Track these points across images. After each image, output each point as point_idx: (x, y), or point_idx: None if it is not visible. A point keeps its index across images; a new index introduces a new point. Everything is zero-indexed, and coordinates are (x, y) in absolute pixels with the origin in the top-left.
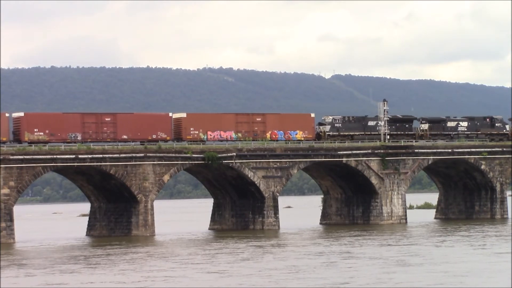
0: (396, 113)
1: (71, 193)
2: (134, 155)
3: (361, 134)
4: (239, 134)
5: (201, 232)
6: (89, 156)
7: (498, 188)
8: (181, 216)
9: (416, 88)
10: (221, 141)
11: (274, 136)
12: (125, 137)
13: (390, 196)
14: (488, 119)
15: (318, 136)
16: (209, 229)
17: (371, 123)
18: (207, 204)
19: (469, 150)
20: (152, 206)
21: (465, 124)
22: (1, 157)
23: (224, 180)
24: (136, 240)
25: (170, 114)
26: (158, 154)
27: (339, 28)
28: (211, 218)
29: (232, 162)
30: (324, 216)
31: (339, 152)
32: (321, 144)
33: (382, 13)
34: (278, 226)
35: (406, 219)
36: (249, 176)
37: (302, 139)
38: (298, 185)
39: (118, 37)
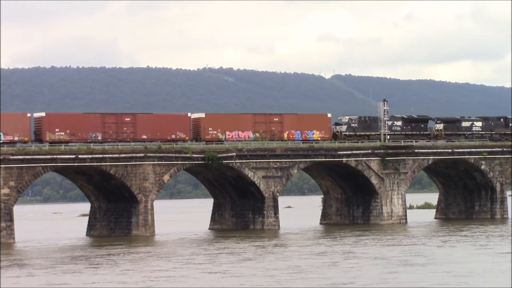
0: (396, 113)
1: (71, 193)
2: (134, 155)
3: (377, 134)
4: (257, 134)
5: (201, 232)
6: (89, 156)
7: (498, 188)
8: (181, 216)
9: (416, 88)
10: (239, 141)
11: (291, 136)
12: (144, 137)
13: (390, 196)
14: (502, 119)
15: (335, 136)
16: (209, 229)
17: (387, 123)
18: (207, 204)
19: (469, 150)
20: (152, 206)
21: (479, 124)
22: (1, 157)
23: (224, 180)
24: (136, 240)
25: (189, 114)
26: (158, 154)
27: (339, 28)
28: (211, 218)
29: (232, 162)
30: (324, 216)
31: (339, 152)
32: (321, 144)
33: (382, 13)
34: (278, 226)
35: (406, 219)
36: (249, 176)
37: (319, 139)
38: (298, 185)
39: (118, 37)
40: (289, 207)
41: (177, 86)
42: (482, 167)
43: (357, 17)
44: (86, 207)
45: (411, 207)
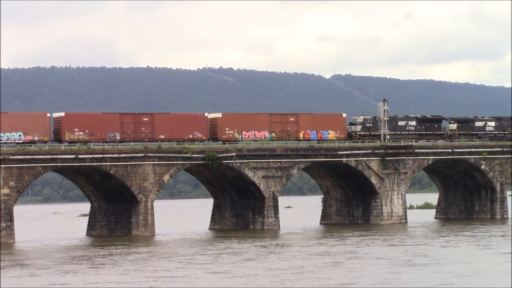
0: (396, 113)
1: (71, 193)
2: (134, 155)
3: (392, 134)
4: (273, 134)
5: (201, 232)
6: (89, 156)
7: (498, 188)
8: (181, 216)
9: (416, 88)
10: (255, 140)
11: (306, 136)
12: (162, 136)
13: (390, 196)
14: None
15: (350, 136)
16: (209, 229)
17: (401, 123)
18: (207, 204)
19: (469, 150)
20: (152, 206)
21: (492, 124)
22: (1, 157)
23: (224, 180)
24: (137, 240)
25: (206, 114)
26: (158, 154)
27: (338, 28)
28: (211, 218)
29: (232, 162)
30: (324, 216)
31: (339, 152)
32: (321, 144)
33: (381, 13)
34: (278, 226)
35: (406, 219)
36: (249, 176)
37: (334, 138)
38: (298, 185)
39: (118, 37)
40: (289, 207)
41: (177, 86)
42: (482, 167)
43: (356, 17)
44: (86, 207)
45: (411, 207)
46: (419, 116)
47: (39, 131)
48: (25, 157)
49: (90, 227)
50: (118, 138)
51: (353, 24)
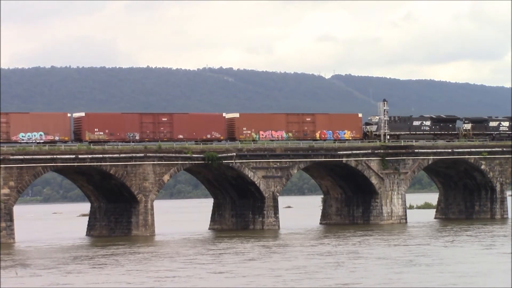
0: (396, 113)
1: (71, 193)
2: (134, 155)
3: (407, 134)
4: (290, 134)
5: (201, 232)
6: (89, 156)
7: (498, 188)
8: (181, 216)
9: (416, 88)
10: (272, 140)
11: (323, 136)
12: (181, 136)
13: (390, 196)
14: None
15: (365, 136)
16: (209, 229)
17: (416, 123)
18: (207, 204)
19: (469, 150)
20: (152, 206)
21: (506, 124)
22: (1, 157)
23: (224, 180)
24: (137, 240)
25: (224, 114)
26: (158, 154)
27: (338, 28)
28: (211, 218)
29: (232, 162)
30: (324, 216)
31: (339, 152)
32: (321, 144)
33: (380, 13)
34: (278, 226)
35: (406, 219)
36: (249, 176)
37: (350, 138)
38: (298, 185)
39: (117, 37)
40: (289, 207)
41: (177, 86)
42: (482, 167)
43: (356, 17)
44: (86, 207)
45: (411, 207)
46: (434, 116)
47: (60, 131)
48: (25, 157)
49: (90, 227)
50: (137, 138)
51: (353, 24)
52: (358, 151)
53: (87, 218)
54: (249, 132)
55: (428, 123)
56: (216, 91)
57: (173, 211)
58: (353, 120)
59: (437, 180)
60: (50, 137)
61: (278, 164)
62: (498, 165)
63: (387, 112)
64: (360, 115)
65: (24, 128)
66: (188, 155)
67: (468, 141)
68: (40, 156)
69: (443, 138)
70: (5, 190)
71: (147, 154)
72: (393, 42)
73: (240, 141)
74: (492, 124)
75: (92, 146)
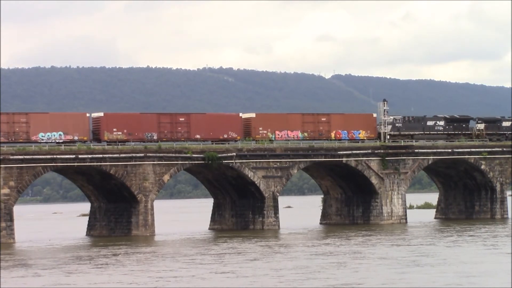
0: (396, 113)
1: (71, 193)
2: (134, 155)
3: (421, 133)
4: (305, 134)
5: (201, 232)
6: (89, 156)
7: (498, 188)
8: (181, 216)
9: (416, 88)
10: (288, 140)
11: (338, 136)
12: (198, 136)
13: (390, 196)
14: None
15: (380, 136)
16: (209, 229)
17: (429, 123)
18: (207, 204)
19: (469, 150)
20: (152, 206)
21: None
22: (1, 157)
23: (224, 180)
24: (137, 240)
25: (240, 114)
26: (158, 154)
27: (338, 28)
28: (211, 218)
29: (232, 162)
30: (324, 216)
31: (339, 152)
32: (321, 144)
33: (379, 14)
34: (278, 226)
35: (406, 219)
36: (249, 176)
37: (365, 138)
38: (298, 185)
39: (117, 37)
40: (289, 207)
41: (177, 86)
42: (482, 167)
43: (355, 17)
44: (86, 207)
45: (411, 207)
46: (448, 116)
47: (79, 131)
48: (25, 157)
49: (90, 227)
50: (155, 138)
51: (352, 24)
52: (358, 151)
53: (87, 218)
54: (265, 132)
55: (442, 123)
56: (216, 91)
57: (173, 211)
58: (367, 120)
59: (437, 180)
60: (69, 137)
61: (278, 164)
62: (498, 165)
63: (387, 112)
64: (374, 115)
65: (43, 128)
66: (188, 155)
67: (481, 141)
68: (40, 156)
69: (456, 138)
70: (5, 190)
71: (147, 154)
72: (392, 42)
73: (256, 141)
74: (505, 124)
75: (92, 146)
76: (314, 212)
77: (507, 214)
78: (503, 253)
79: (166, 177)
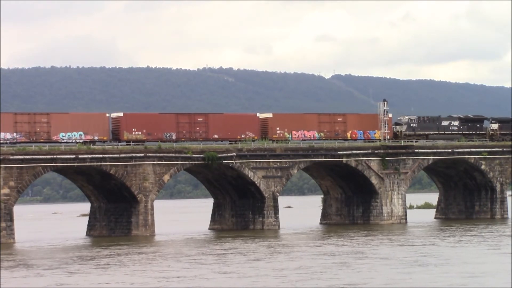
0: (396, 113)
1: (71, 193)
2: (134, 155)
3: (435, 133)
4: (322, 134)
5: (201, 232)
6: (89, 156)
7: (498, 188)
8: (181, 216)
9: (416, 88)
10: (305, 140)
11: (354, 136)
12: (216, 136)
13: (390, 196)
14: None
15: (395, 136)
16: (209, 229)
17: (444, 123)
18: (207, 204)
19: (469, 150)
20: (152, 206)
21: None
22: (1, 157)
23: (224, 180)
24: (137, 240)
25: (258, 114)
26: (158, 154)
27: (337, 28)
28: (211, 218)
29: (232, 162)
30: (324, 216)
31: (339, 152)
32: (321, 144)
33: (379, 14)
34: (278, 226)
35: (406, 219)
36: (249, 176)
37: (381, 138)
38: (298, 185)
39: (117, 37)
40: (289, 207)
41: (177, 86)
42: (482, 167)
43: (354, 17)
44: (86, 207)
45: (411, 207)
46: (462, 116)
47: (99, 130)
48: (25, 157)
49: (90, 227)
50: (174, 137)
51: (352, 24)
52: (358, 151)
53: (87, 218)
54: (282, 132)
55: (456, 123)
56: (216, 91)
57: (173, 211)
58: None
59: (437, 180)
60: (89, 137)
61: (278, 164)
62: (498, 165)
63: (387, 112)
64: (390, 115)
65: (64, 128)
66: (188, 155)
67: (495, 140)
68: (40, 156)
69: (471, 138)
70: (5, 190)
71: (147, 154)
72: (392, 42)
73: (272, 141)
74: None
75: (92, 146)
76: (314, 212)
77: (507, 214)
78: (506, 253)
79: (166, 177)
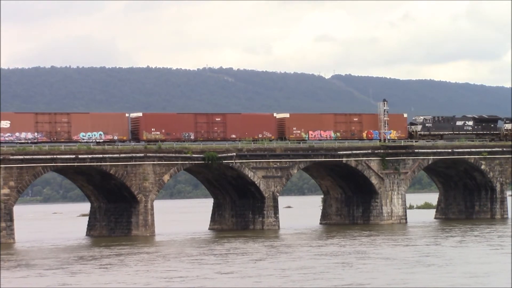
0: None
1: (71, 193)
2: (134, 155)
3: (450, 133)
4: (338, 134)
5: (201, 232)
6: (89, 156)
7: (498, 188)
8: (181, 216)
9: (416, 88)
10: (321, 140)
11: (369, 136)
12: (233, 136)
13: (390, 196)
14: None
15: (410, 136)
16: (209, 229)
17: (459, 123)
18: (207, 204)
19: (469, 150)
20: (152, 206)
21: None
22: (1, 157)
23: (224, 180)
24: (137, 240)
25: (275, 114)
26: (158, 154)
27: (337, 28)
28: (211, 218)
29: (232, 162)
30: (324, 216)
31: (339, 152)
32: (321, 144)
33: (378, 14)
34: (278, 226)
35: (406, 219)
36: (249, 176)
37: (396, 138)
38: (298, 185)
39: (117, 37)
40: (289, 207)
41: (177, 86)
42: (482, 167)
43: (354, 17)
44: (86, 207)
45: (411, 207)
46: (476, 116)
47: (118, 130)
48: (25, 157)
49: (90, 227)
50: (192, 137)
51: (352, 24)
52: (358, 151)
53: (87, 218)
54: (299, 132)
55: (470, 123)
56: (216, 91)
57: (173, 211)
58: (398, 120)
59: (437, 180)
60: (109, 137)
61: (278, 164)
62: (498, 165)
63: (387, 112)
64: (405, 115)
65: (84, 128)
66: (188, 155)
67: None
68: (40, 156)
69: (485, 138)
70: (5, 190)
71: (147, 154)
72: (392, 42)
73: (290, 141)
74: None
75: (92, 146)
76: (314, 212)
77: (507, 214)
78: (507, 253)
79: (166, 177)
